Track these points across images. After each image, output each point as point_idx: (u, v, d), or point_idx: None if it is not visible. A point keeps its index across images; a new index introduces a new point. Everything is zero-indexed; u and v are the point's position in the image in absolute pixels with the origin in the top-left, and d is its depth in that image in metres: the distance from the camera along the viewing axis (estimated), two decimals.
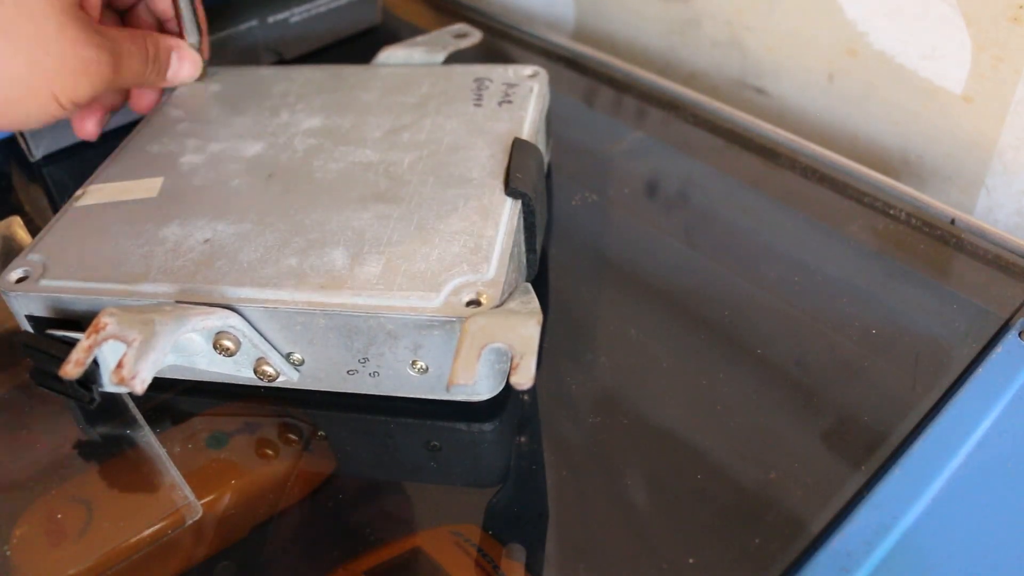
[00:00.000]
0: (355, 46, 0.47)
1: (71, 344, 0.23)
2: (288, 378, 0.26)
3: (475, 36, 0.37)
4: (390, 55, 0.36)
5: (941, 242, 0.32)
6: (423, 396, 0.25)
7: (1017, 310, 0.28)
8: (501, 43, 0.48)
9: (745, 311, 0.29)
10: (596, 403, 0.26)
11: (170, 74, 0.35)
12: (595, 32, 0.49)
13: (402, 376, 0.25)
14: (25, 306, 0.26)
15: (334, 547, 0.22)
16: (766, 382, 0.26)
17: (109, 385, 0.24)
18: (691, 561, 0.22)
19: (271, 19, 0.43)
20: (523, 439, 0.25)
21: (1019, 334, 0.27)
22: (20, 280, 0.26)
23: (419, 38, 0.37)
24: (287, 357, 0.25)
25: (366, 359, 0.25)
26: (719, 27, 0.43)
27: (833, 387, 0.26)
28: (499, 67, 0.35)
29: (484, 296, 0.24)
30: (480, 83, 0.33)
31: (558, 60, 0.45)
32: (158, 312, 0.23)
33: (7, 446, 0.25)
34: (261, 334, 0.25)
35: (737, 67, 0.43)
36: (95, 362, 0.24)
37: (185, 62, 0.35)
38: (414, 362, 0.24)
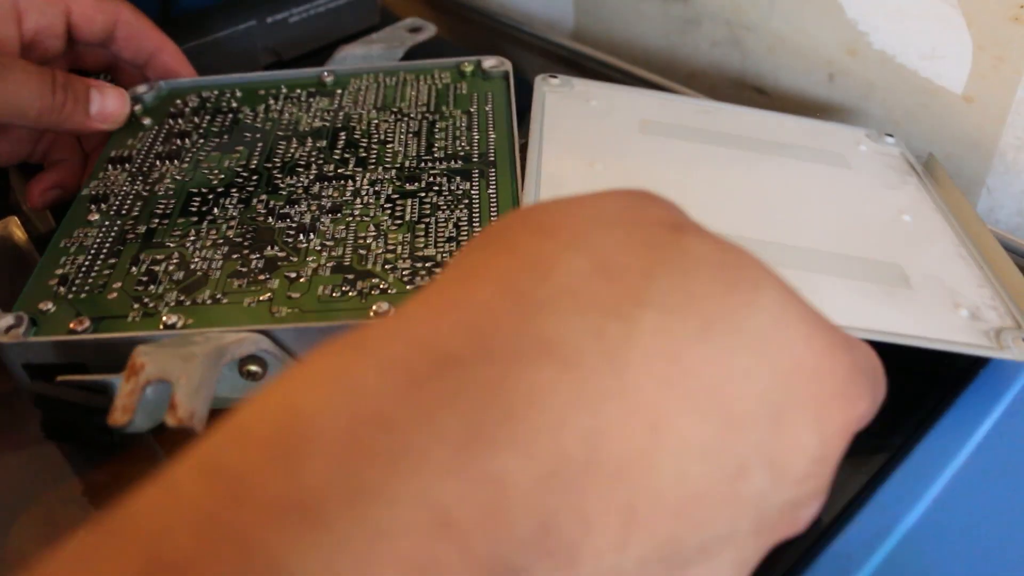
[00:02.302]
0: None
1: (90, 388, 0.22)
2: None
3: (430, 30, 0.37)
4: (348, 53, 0.36)
5: None
6: None
7: None
8: (500, 42, 0.48)
9: None
10: None
11: (95, 109, 0.30)
12: (594, 32, 0.49)
13: None
14: (21, 355, 0.24)
15: None
16: None
17: (134, 426, 0.22)
18: None
19: (270, 19, 0.43)
20: None
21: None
22: (12, 328, 0.24)
23: (374, 35, 0.37)
24: None
25: None
26: (719, 27, 0.43)
27: None
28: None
29: None
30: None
31: (557, 60, 0.45)
32: (193, 344, 0.22)
33: (5, 447, 0.25)
34: (291, 355, 0.24)
35: (737, 67, 0.43)
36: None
37: (108, 93, 0.31)
38: None
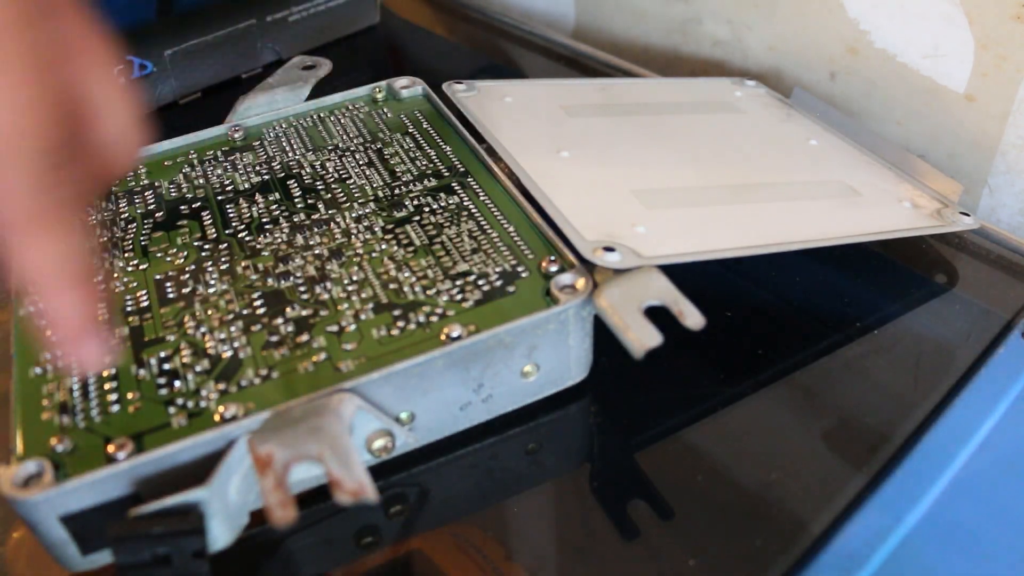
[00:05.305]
0: (354, 45, 0.47)
1: (175, 512, 0.19)
2: (404, 443, 0.23)
3: (325, 66, 0.35)
4: (251, 103, 0.33)
5: (943, 241, 0.32)
6: (531, 400, 0.24)
7: (1020, 310, 0.28)
8: (501, 42, 0.48)
9: (745, 311, 0.29)
10: (593, 404, 0.26)
11: None
12: (595, 31, 0.49)
13: (515, 387, 0.24)
14: (59, 507, 0.20)
15: (333, 549, 0.22)
16: (766, 382, 0.26)
17: (220, 541, 0.20)
18: (691, 563, 0.21)
19: (269, 18, 0.43)
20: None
21: (1022, 334, 0.27)
22: (33, 477, 0.20)
23: (271, 79, 0.34)
24: (396, 420, 0.23)
25: (481, 385, 0.23)
26: (720, 26, 0.43)
27: (834, 388, 0.26)
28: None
29: (578, 282, 0.24)
30: None
31: (558, 59, 0.45)
32: (299, 420, 0.20)
33: (5, 447, 0.25)
34: (381, 408, 0.22)
35: (738, 66, 0.43)
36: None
37: None
38: (524, 368, 0.23)
